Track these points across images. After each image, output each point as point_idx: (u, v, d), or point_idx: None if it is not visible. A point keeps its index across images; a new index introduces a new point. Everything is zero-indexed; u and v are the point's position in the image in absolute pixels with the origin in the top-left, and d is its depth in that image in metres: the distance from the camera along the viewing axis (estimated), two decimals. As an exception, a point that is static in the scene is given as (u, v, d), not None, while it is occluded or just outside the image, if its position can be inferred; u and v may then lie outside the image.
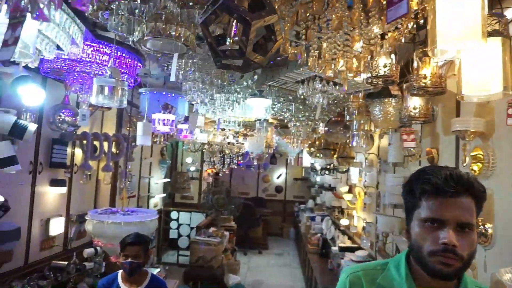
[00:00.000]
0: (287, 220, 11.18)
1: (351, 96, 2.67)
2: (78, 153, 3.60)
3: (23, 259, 2.96)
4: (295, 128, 3.92)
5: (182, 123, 3.47)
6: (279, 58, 2.26)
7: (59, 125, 2.93)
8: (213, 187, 9.03)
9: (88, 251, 3.53)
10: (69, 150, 3.48)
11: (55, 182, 3.27)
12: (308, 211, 8.99)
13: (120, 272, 2.67)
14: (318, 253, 5.99)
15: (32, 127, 2.37)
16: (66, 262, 3.18)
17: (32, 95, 2.39)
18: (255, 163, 9.02)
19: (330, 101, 2.80)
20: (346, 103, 2.82)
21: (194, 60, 2.18)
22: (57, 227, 3.29)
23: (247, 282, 6.58)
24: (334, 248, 4.86)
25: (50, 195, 3.25)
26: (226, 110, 3.21)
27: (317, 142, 4.88)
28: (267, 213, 9.65)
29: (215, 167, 6.28)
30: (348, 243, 4.91)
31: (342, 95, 2.45)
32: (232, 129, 4.90)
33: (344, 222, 5.32)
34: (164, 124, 2.80)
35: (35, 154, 3.05)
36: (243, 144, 5.75)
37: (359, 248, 4.28)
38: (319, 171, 7.66)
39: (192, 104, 4.11)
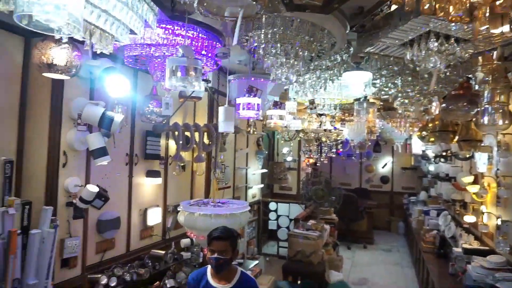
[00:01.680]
0: (395, 213, 10.20)
1: (481, 57, 2.04)
2: (172, 144, 3.63)
3: (125, 247, 3.07)
4: (403, 108, 3.32)
5: (272, 109, 3.20)
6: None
7: (148, 116, 2.93)
8: (311, 177, 8.67)
9: (185, 242, 3.54)
10: (163, 142, 3.52)
11: (150, 173, 3.32)
12: (420, 204, 7.99)
13: (209, 267, 2.54)
14: (434, 252, 5.20)
15: (118, 118, 2.36)
16: (164, 252, 3.22)
17: (118, 86, 2.37)
18: (357, 151, 8.37)
19: (449, 68, 2.20)
20: (472, 69, 2.18)
21: (275, 29, 1.86)
22: (154, 217, 3.36)
23: (351, 279, 6.10)
24: (457, 250, 4.09)
25: (147, 186, 3.32)
26: (318, 90, 2.83)
27: (430, 125, 4.13)
28: (371, 205, 8.90)
29: (311, 156, 5.90)
30: (476, 245, 4.06)
31: (466, 55, 1.86)
32: (328, 114, 4.47)
33: (468, 218, 4.44)
34: (248, 108, 2.56)
35: (131, 146, 3.12)
36: (341, 130, 5.25)
37: (492, 251, 3.47)
38: (433, 159, 6.68)
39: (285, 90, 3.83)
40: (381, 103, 4.16)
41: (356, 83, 2.31)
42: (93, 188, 2.36)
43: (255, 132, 5.28)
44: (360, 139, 6.94)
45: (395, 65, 2.32)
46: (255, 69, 3.84)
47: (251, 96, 2.59)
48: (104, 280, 2.59)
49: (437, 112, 3.35)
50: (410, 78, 2.36)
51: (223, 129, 2.39)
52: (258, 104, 2.62)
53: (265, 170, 6.82)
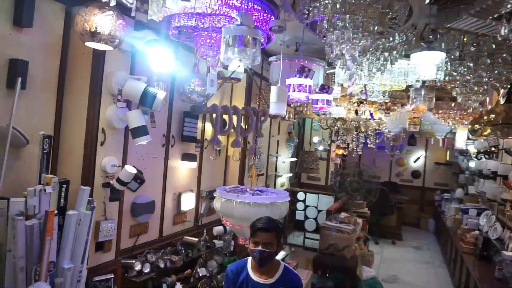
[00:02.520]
0: (425, 210, 9.81)
1: None
2: (208, 127, 3.46)
3: (158, 232, 2.95)
4: (463, 97, 3.01)
5: (317, 93, 2.96)
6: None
7: (189, 95, 2.76)
8: (341, 168, 8.39)
9: (217, 229, 3.39)
10: (199, 124, 3.35)
11: (186, 157, 3.17)
12: (455, 202, 7.59)
13: (249, 259, 2.37)
14: (476, 254, 4.87)
15: (161, 95, 2.18)
16: (196, 239, 3.08)
17: (161, 60, 2.19)
18: (390, 144, 8.01)
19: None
20: None
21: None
22: (188, 202, 3.22)
23: (380, 275, 5.86)
24: (508, 253, 3.77)
25: (182, 170, 3.17)
26: (374, 74, 2.57)
27: (486, 117, 3.78)
28: (403, 200, 8.55)
29: (344, 145, 5.63)
30: (529, 250, 3.74)
31: None
32: (368, 103, 4.19)
33: (520, 220, 4.10)
34: (299, 91, 2.33)
35: (168, 127, 2.97)
36: (382, 120, 4.95)
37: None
38: (476, 155, 6.27)
39: (328, 74, 3.57)
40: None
41: (426, 64, 2.03)
42: (131, 169, 2.21)
43: (291, 119, 5.07)
44: (397, 131, 6.60)
45: (472, 46, 2.03)
46: (298, 51, 3.59)
47: (303, 77, 2.35)
48: (138, 266, 2.46)
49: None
50: (489, 61, 2.06)
51: (275, 111, 2.18)
52: (310, 86, 2.38)
53: (295, 159, 6.61)
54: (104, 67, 2.17)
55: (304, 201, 6.76)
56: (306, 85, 2.34)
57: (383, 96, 3.41)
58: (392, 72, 2.82)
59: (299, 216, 6.79)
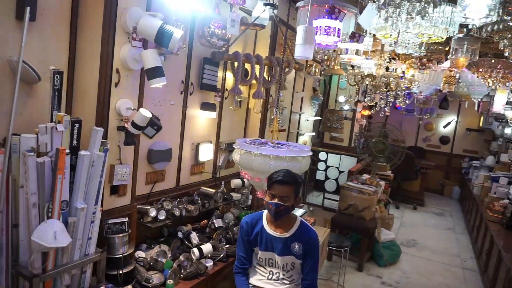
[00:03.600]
0: (450, 177, 9.51)
1: None
2: (229, 77, 3.30)
3: (175, 181, 2.91)
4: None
5: (348, 42, 2.72)
6: None
7: (209, 38, 2.58)
8: (365, 130, 8.12)
9: (235, 182, 3.34)
10: (220, 73, 3.19)
11: (205, 106, 3.05)
12: (485, 170, 7.27)
13: (265, 211, 2.30)
14: (502, 223, 4.69)
15: (178, 34, 2.02)
16: (213, 190, 3.04)
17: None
18: (420, 106, 7.62)
19: None
20: None
21: None
22: (206, 153, 3.14)
23: (398, 239, 5.79)
24: (539, 224, 3.57)
25: (201, 119, 3.07)
26: (413, 19, 2.30)
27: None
28: (428, 165, 8.28)
29: (372, 103, 5.34)
30: None
31: None
32: (408, 58, 3.88)
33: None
34: (327, 34, 2.11)
35: (186, 73, 2.83)
36: (415, 78, 4.62)
37: None
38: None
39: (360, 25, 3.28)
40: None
41: (478, 5, 1.77)
42: (146, 113, 2.11)
43: (316, 73, 4.81)
44: (429, 93, 6.22)
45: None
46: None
47: (332, 19, 2.12)
48: (153, 213, 2.44)
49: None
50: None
51: (301, 54, 1.99)
52: (339, 30, 2.16)
53: (318, 118, 6.40)
54: (118, 1, 2.01)
55: (325, 161, 6.64)
56: (335, 28, 2.12)
57: (419, 49, 3.11)
58: (433, 20, 2.53)
59: (320, 176, 6.69)
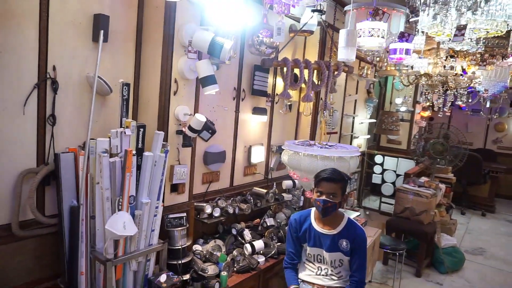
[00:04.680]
0: (526, 182, 8.69)
1: None
2: (279, 82, 3.44)
3: (229, 181, 3.10)
4: None
5: (396, 42, 2.72)
6: None
7: (258, 47, 2.74)
8: (425, 132, 7.75)
9: (286, 183, 3.45)
10: (270, 79, 3.35)
11: (257, 110, 3.22)
12: None
13: (313, 209, 2.38)
14: None
15: (228, 44, 2.21)
16: (265, 190, 3.18)
17: (231, 11, 2.18)
18: (487, 105, 7.12)
19: None
20: None
21: None
22: (258, 155, 3.30)
23: (463, 246, 5.46)
24: None
25: (252, 123, 3.24)
26: (464, 14, 2.26)
27: None
28: (499, 169, 7.67)
29: (429, 103, 5.13)
30: None
31: None
32: (468, 54, 3.72)
33: None
34: (371, 35, 2.16)
35: (238, 80, 3.02)
36: (476, 75, 4.39)
37: None
38: None
39: (408, 22, 3.23)
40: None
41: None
42: (201, 117, 2.32)
43: (369, 75, 4.77)
44: (497, 90, 5.81)
45: None
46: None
47: (376, 20, 2.17)
48: (208, 209, 2.64)
49: None
50: None
51: (344, 56, 2.06)
52: (384, 31, 2.19)
53: (373, 120, 6.28)
54: (175, 19, 2.26)
55: (382, 164, 6.49)
56: (379, 30, 2.16)
57: (477, 44, 2.99)
58: (489, 13, 2.45)
59: (376, 179, 6.55)
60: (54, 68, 2.01)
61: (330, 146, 2.89)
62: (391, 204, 5.90)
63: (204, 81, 2.26)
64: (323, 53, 3.78)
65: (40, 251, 2.07)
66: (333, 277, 2.27)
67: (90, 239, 2.06)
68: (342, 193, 2.22)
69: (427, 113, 7.51)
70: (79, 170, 2.03)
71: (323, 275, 2.28)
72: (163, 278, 2.15)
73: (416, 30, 3.19)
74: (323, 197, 2.17)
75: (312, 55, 3.70)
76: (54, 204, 2.08)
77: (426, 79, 4.25)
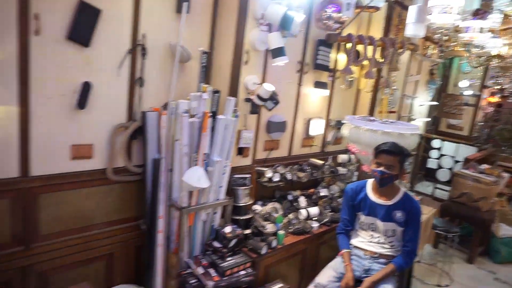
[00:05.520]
0: None
1: None
2: (342, 58, 3.48)
3: (287, 150, 3.27)
4: None
5: (470, 19, 2.65)
6: None
7: (325, 22, 2.82)
8: (491, 120, 7.31)
9: (342, 157, 3.55)
10: (333, 54, 3.40)
11: (318, 84, 3.31)
12: None
13: (369, 180, 2.49)
14: None
15: (299, 18, 2.32)
16: (322, 162, 3.31)
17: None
18: None
19: None
20: None
21: None
22: (316, 128, 3.42)
23: (524, 239, 5.22)
24: None
25: (313, 97, 3.35)
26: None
27: None
28: None
29: (500, 87, 4.86)
30: None
31: None
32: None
33: None
34: (444, 12, 2.15)
35: (303, 54, 3.12)
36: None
37: None
38: None
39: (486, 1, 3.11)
40: None
41: None
42: (269, 87, 2.48)
43: (434, 56, 4.62)
44: None
45: None
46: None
47: (449, -4, 2.15)
48: (269, 174, 2.84)
49: None
50: None
51: (413, 32, 2.10)
52: (459, 7, 2.17)
53: (434, 103, 6.06)
54: (250, -7, 2.41)
55: (439, 149, 6.30)
56: (452, 7, 2.14)
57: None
58: None
59: (432, 164, 6.39)
60: (144, 36, 2.27)
61: (391, 122, 2.94)
62: (446, 191, 5.76)
63: (275, 53, 2.40)
64: (388, 30, 3.74)
65: (127, 195, 2.41)
66: (385, 245, 2.38)
67: (168, 189, 2.35)
68: (400, 167, 2.30)
69: (495, 99, 7.07)
70: (161, 128, 2.30)
71: (375, 242, 2.40)
72: (228, 229, 2.40)
73: (491, 8, 3.07)
74: (381, 168, 2.26)
75: (376, 32, 3.67)
76: (139, 156, 2.39)
77: (498, 60, 4.04)
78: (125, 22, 2.19)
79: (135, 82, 2.29)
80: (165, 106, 2.35)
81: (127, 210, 2.44)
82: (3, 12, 1.76)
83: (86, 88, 2.06)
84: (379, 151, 2.29)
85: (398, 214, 2.32)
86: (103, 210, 2.34)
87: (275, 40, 2.40)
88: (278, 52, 2.40)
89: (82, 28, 2.00)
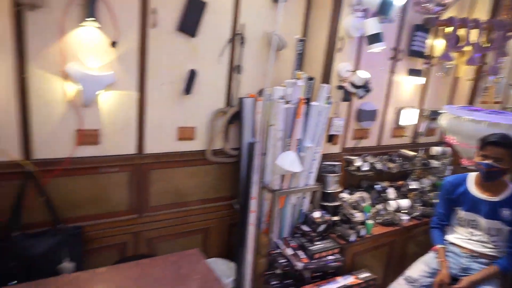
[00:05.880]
0: None
1: None
2: (439, 44, 3.26)
3: (376, 140, 3.19)
4: None
5: None
6: None
7: (425, 5, 2.66)
8: None
9: (436, 149, 3.35)
10: (429, 41, 3.20)
11: (412, 72, 3.16)
12: None
13: (470, 174, 2.33)
14: None
15: (399, 2, 2.24)
16: (413, 153, 3.17)
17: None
18: None
19: None
20: None
21: None
22: (408, 118, 3.27)
23: None
24: None
25: (406, 85, 3.20)
26: None
27: None
28: None
29: None
30: None
31: None
32: None
33: None
34: None
35: (397, 40, 3.00)
36: None
37: None
38: None
39: None
40: None
41: None
42: (364, 74, 2.45)
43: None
44: None
45: None
46: None
47: None
48: (358, 162, 2.81)
49: None
50: None
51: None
52: None
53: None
54: (347, -21, 2.38)
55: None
56: None
57: None
58: None
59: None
60: (243, 26, 2.38)
61: (499, 113, 2.69)
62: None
63: (371, 39, 2.35)
64: (496, 11, 3.39)
65: (222, 176, 2.59)
66: (488, 244, 2.21)
67: (261, 171, 2.46)
68: (510, 160, 2.11)
69: None
70: (256, 113, 2.41)
71: (475, 240, 2.25)
72: (316, 214, 2.45)
73: None
74: (487, 161, 2.10)
75: (480, 14, 3.36)
76: (235, 140, 2.54)
77: None
78: (226, 13, 2.32)
79: (234, 69, 2.43)
80: (260, 93, 2.46)
81: (223, 190, 2.62)
82: (128, 8, 1.99)
83: (192, 75, 2.24)
84: (487, 142, 2.12)
85: (506, 212, 2.13)
86: (202, 188, 2.54)
87: (372, 26, 2.34)
88: (374, 38, 2.34)
89: (190, 20, 2.17)
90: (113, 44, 1.97)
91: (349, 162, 2.84)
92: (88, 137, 2.03)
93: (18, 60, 1.77)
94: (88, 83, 1.91)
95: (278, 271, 2.38)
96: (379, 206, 2.83)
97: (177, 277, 1.29)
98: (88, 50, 1.93)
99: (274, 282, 2.36)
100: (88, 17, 1.83)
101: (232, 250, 2.71)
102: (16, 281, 1.85)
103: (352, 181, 3.05)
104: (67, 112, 1.95)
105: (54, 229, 2.01)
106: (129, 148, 2.20)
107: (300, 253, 2.34)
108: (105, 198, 2.19)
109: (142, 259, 1.53)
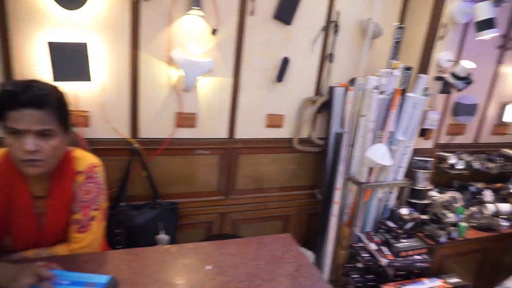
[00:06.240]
0: None
1: None
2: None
3: (473, 137, 2.93)
4: None
5: None
6: None
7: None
8: None
9: (545, 151, 2.98)
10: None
11: (523, 63, 2.82)
12: None
13: None
14: None
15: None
16: (517, 153, 2.86)
17: None
18: None
19: None
20: None
21: None
22: (513, 114, 2.94)
23: None
24: None
25: (513, 77, 2.88)
26: None
27: None
28: None
29: None
30: None
31: None
32: None
33: None
34: None
35: (507, 27, 2.69)
36: None
37: None
38: None
39: None
40: None
41: None
42: (469, 65, 2.25)
43: None
44: None
45: None
46: None
47: None
48: (452, 160, 2.62)
49: None
50: None
51: None
52: None
53: None
54: (458, -42, 2.18)
55: None
56: None
57: None
58: None
59: None
60: (338, 13, 2.33)
61: None
62: None
63: (481, 25, 2.14)
64: None
65: (307, 165, 2.59)
66: None
67: (347, 163, 2.42)
68: None
69: None
70: (346, 103, 2.35)
71: None
72: (404, 211, 2.34)
73: None
74: None
75: None
76: (321, 129, 2.52)
77: None
78: (322, 0, 2.28)
79: (326, 58, 2.39)
80: (351, 82, 2.40)
81: (306, 179, 2.63)
82: (229, -4, 2.06)
83: (285, 63, 2.26)
84: None
85: None
86: (285, 175, 2.58)
87: (483, 10, 2.13)
88: (486, 25, 2.13)
89: (287, 7, 2.18)
90: (214, 31, 2.05)
91: (442, 159, 2.66)
92: (186, 120, 2.17)
93: (133, 47, 1.94)
94: (190, 68, 2.03)
95: (359, 265, 2.34)
96: (473, 209, 2.61)
97: (272, 259, 1.34)
98: (191, 38, 2.04)
99: (355, 276, 2.33)
100: (194, 6, 1.92)
101: (310, 239, 2.73)
102: (121, 246, 2.07)
103: (441, 180, 2.85)
104: (169, 95, 2.10)
105: (154, 202, 2.19)
106: (221, 132, 2.30)
107: (385, 249, 2.27)
108: (197, 178, 2.33)
109: (237, 238, 1.60)
